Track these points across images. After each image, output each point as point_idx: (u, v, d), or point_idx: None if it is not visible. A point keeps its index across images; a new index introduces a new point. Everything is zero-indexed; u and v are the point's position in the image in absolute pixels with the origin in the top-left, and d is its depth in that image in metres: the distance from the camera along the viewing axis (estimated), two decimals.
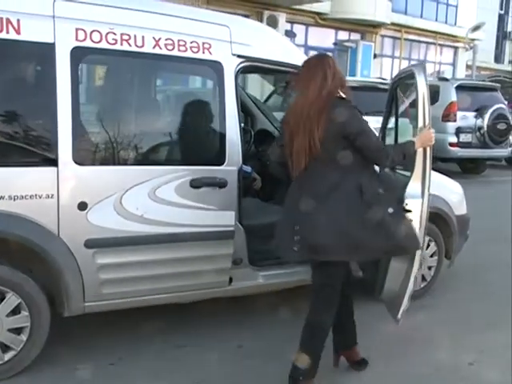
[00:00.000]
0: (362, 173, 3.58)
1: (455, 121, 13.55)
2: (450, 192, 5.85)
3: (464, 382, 4.16)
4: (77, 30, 3.82)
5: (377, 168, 4.34)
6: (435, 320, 5.16)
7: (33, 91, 3.92)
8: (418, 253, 4.00)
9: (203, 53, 4.26)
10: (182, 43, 4.17)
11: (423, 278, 5.57)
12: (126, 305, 4.19)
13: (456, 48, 29.23)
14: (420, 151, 3.93)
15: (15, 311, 3.78)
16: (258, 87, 11.39)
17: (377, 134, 4.99)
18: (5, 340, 3.77)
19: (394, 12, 24.23)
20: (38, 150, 3.80)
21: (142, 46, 4.04)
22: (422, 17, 26.32)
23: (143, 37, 4.04)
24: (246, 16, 15.68)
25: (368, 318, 4.74)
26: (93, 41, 3.88)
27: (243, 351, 4.38)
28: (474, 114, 13.74)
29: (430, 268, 5.60)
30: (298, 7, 20.60)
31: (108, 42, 3.93)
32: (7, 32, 3.62)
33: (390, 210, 3.61)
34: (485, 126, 13.66)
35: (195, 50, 4.23)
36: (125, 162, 4.14)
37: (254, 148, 5.78)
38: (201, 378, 3.98)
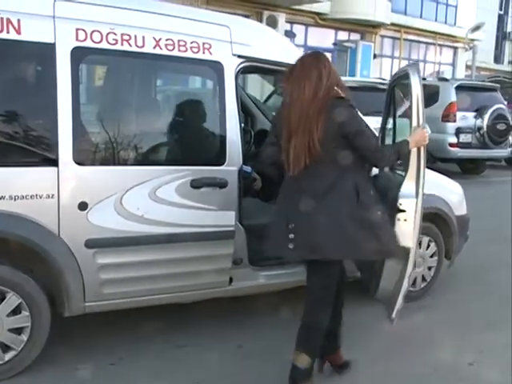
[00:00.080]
0: (358, 172, 3.58)
1: (455, 121, 13.56)
2: (450, 192, 5.86)
3: (464, 382, 4.16)
4: (77, 30, 3.83)
5: (376, 169, 4.37)
6: (435, 320, 5.17)
7: (33, 91, 3.91)
8: (413, 253, 3.99)
9: (203, 53, 4.26)
10: (182, 43, 4.18)
11: (423, 279, 5.57)
12: (126, 305, 4.19)
13: (455, 48, 29.23)
14: (414, 151, 3.92)
15: (16, 311, 3.78)
16: (257, 87, 11.39)
17: (377, 134, 5.02)
18: (5, 340, 3.77)
19: (393, 12, 24.23)
20: (39, 150, 3.80)
21: (143, 47, 4.04)
22: (421, 17, 26.32)
23: (144, 37, 4.04)
24: (246, 16, 15.68)
25: (368, 317, 4.76)
26: (93, 41, 3.88)
27: (243, 351, 4.38)
28: (473, 114, 13.74)
29: (429, 268, 5.60)
30: (297, 7, 20.60)
31: (108, 42, 3.93)
32: (7, 32, 3.62)
33: (378, 213, 3.62)
34: (484, 127, 13.66)
35: (195, 50, 4.23)
36: (125, 162, 4.15)
37: (254, 148, 5.77)
38: (201, 378, 3.98)
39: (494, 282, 6.10)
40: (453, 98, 13.63)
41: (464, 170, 14.71)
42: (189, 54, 4.21)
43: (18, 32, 3.65)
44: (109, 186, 3.94)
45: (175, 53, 4.17)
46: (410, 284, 4.26)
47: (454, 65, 29.62)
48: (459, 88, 13.79)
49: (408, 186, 3.98)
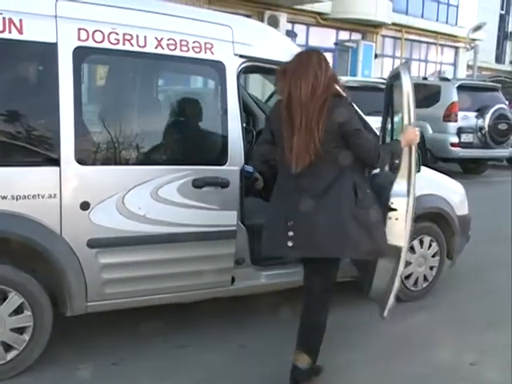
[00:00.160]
0: (356, 172, 3.58)
1: (456, 121, 13.55)
2: (452, 192, 5.85)
3: (464, 382, 4.16)
4: (79, 29, 3.83)
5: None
6: (436, 320, 5.17)
7: (35, 91, 3.91)
8: (404, 252, 4.00)
9: (205, 53, 4.26)
10: (184, 43, 4.18)
11: (425, 278, 5.57)
12: (128, 304, 4.20)
13: (457, 48, 29.21)
14: (405, 149, 3.91)
15: (18, 311, 3.78)
16: (259, 87, 11.38)
17: (378, 133, 5.02)
18: (7, 339, 3.77)
19: (394, 12, 24.22)
20: (41, 149, 3.80)
21: (145, 46, 4.04)
22: (422, 17, 26.31)
23: (145, 37, 4.04)
24: (248, 16, 15.68)
25: (368, 318, 4.75)
26: (95, 41, 3.88)
27: (245, 351, 4.38)
28: (475, 114, 13.73)
29: (431, 268, 5.60)
30: (299, 7, 20.59)
31: (110, 42, 3.93)
32: (9, 32, 3.62)
33: (374, 212, 3.63)
34: (486, 126, 13.65)
35: (197, 49, 4.23)
36: (127, 162, 4.15)
37: None
38: (202, 378, 3.99)
39: (495, 282, 6.10)
40: (454, 97, 13.62)
41: (465, 169, 14.70)
42: (191, 54, 4.22)
43: (20, 32, 3.65)
44: (111, 186, 3.95)
45: (177, 52, 4.17)
46: (400, 282, 4.26)
47: (455, 65, 29.60)
48: (460, 88, 13.78)
49: (399, 185, 3.99)
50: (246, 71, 4.63)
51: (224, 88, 4.36)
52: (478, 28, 25.47)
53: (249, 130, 5.81)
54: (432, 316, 5.26)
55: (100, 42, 3.90)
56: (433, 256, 5.59)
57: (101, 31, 3.89)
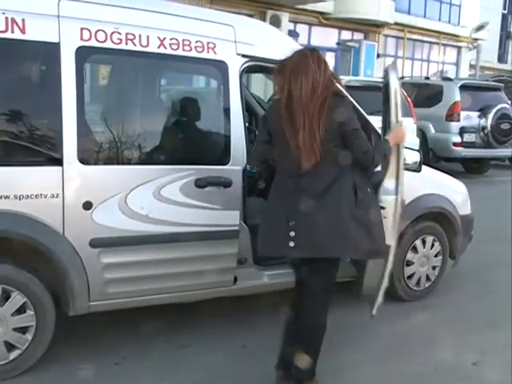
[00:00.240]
0: (355, 171, 3.56)
1: (459, 120, 13.54)
2: (455, 192, 5.85)
3: (466, 382, 4.15)
4: (82, 29, 3.83)
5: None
6: (439, 320, 5.17)
7: (38, 91, 3.92)
8: (392, 250, 4.00)
9: (208, 52, 4.26)
10: (186, 43, 4.18)
11: (427, 278, 5.57)
12: (130, 304, 4.20)
13: (459, 48, 29.19)
14: (393, 148, 3.91)
15: (20, 310, 3.79)
16: (261, 87, 11.40)
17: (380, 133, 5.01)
18: (10, 339, 3.78)
19: (397, 12, 24.21)
20: (43, 149, 3.80)
21: (147, 46, 4.04)
22: (425, 16, 26.31)
23: (148, 36, 4.04)
24: (250, 16, 15.69)
25: (369, 318, 4.75)
26: (98, 40, 3.88)
27: (246, 351, 4.38)
28: (477, 113, 13.72)
29: (434, 268, 5.60)
30: (301, 7, 20.60)
31: (113, 42, 3.93)
32: (12, 32, 3.63)
33: (374, 212, 3.63)
34: (488, 126, 13.65)
35: (200, 49, 4.23)
36: (129, 162, 4.15)
37: None
38: (203, 378, 3.99)
39: (497, 282, 6.09)
40: (457, 97, 13.62)
41: (468, 169, 14.69)
42: (193, 54, 4.21)
43: (23, 32, 3.65)
44: (113, 186, 3.95)
45: (179, 52, 4.17)
46: (389, 281, 4.25)
47: (457, 64, 29.59)
48: (463, 87, 13.77)
49: (388, 183, 3.99)
50: (248, 71, 4.62)
51: (226, 88, 4.36)
52: (480, 28, 25.45)
53: (251, 129, 5.80)
54: (434, 316, 5.26)
55: (102, 42, 3.90)
56: (435, 256, 5.58)
57: (103, 31, 3.89)
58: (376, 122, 5.20)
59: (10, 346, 3.79)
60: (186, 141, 4.59)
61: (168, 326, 4.58)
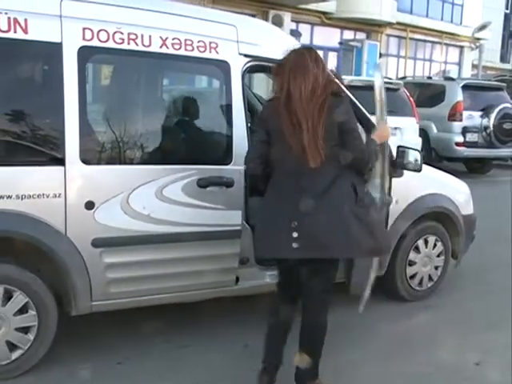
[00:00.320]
0: (352, 170, 3.57)
1: (461, 120, 13.54)
2: (457, 192, 5.84)
3: (468, 382, 4.15)
4: (84, 29, 3.83)
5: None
6: (441, 320, 5.17)
7: (40, 91, 3.92)
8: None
9: (210, 52, 4.26)
10: (188, 42, 4.17)
11: (430, 278, 5.56)
12: (133, 304, 4.20)
13: (461, 47, 29.19)
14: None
15: (22, 310, 3.79)
16: (264, 87, 11.38)
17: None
18: (12, 339, 3.78)
19: (399, 11, 24.20)
20: (46, 149, 3.80)
21: (149, 46, 4.04)
22: (427, 16, 26.29)
23: (150, 36, 4.04)
24: (252, 15, 15.68)
25: (371, 317, 4.75)
26: (100, 40, 3.88)
27: (248, 351, 4.37)
28: (480, 113, 13.72)
29: (436, 268, 5.59)
30: (303, 6, 20.59)
31: (115, 42, 3.93)
32: (15, 31, 3.63)
33: (374, 210, 3.64)
34: (491, 126, 13.64)
35: (202, 49, 4.23)
36: (132, 162, 4.15)
37: None
38: (205, 378, 3.99)
39: (499, 282, 6.08)
40: (459, 97, 13.62)
41: (470, 169, 14.69)
42: (195, 53, 4.21)
43: (25, 31, 3.65)
44: (115, 185, 3.95)
45: (182, 52, 4.16)
46: (375, 277, 4.29)
47: (460, 64, 29.57)
48: (465, 87, 13.77)
49: (374, 182, 4.00)
50: (250, 71, 4.61)
51: (229, 87, 4.35)
52: (482, 27, 25.44)
53: (253, 129, 5.79)
54: (436, 315, 5.26)
55: (105, 42, 3.90)
56: (438, 256, 5.58)
57: (106, 31, 3.89)
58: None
59: (12, 346, 3.79)
60: (188, 141, 4.59)
61: (169, 325, 4.59)
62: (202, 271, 4.28)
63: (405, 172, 4.91)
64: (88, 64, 4.00)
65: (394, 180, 4.85)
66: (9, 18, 3.61)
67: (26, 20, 3.65)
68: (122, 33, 3.94)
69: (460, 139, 13.49)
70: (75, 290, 3.90)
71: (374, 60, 22.74)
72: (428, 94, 14.38)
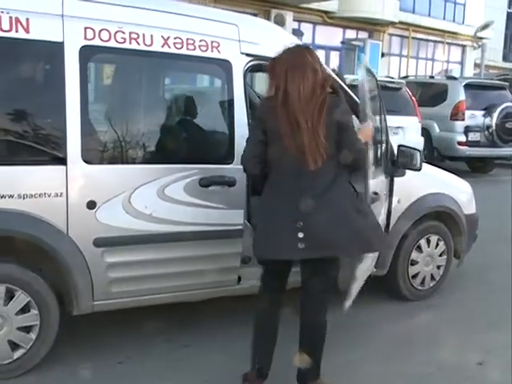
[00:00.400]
0: (347, 169, 3.58)
1: (463, 120, 13.53)
2: (459, 191, 5.83)
3: (470, 382, 4.14)
4: (85, 28, 3.82)
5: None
6: (443, 319, 5.16)
7: (42, 90, 3.91)
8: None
9: (212, 51, 4.25)
10: (190, 42, 4.17)
11: (432, 277, 5.56)
12: (134, 303, 4.20)
13: (464, 47, 29.16)
14: None
15: (24, 310, 3.79)
16: (265, 86, 11.38)
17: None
18: (14, 338, 3.78)
19: (401, 11, 24.19)
20: (47, 148, 3.79)
21: (151, 45, 4.04)
22: (429, 15, 26.29)
23: (152, 35, 4.03)
24: (254, 15, 15.68)
25: (373, 317, 4.74)
26: (101, 39, 3.87)
27: (249, 351, 4.35)
28: (482, 112, 13.71)
29: (438, 267, 5.58)
30: (305, 6, 20.60)
31: (117, 41, 3.92)
32: (16, 31, 3.62)
33: (370, 208, 3.65)
34: (493, 125, 13.64)
35: (204, 48, 4.22)
36: (133, 161, 4.14)
37: None
38: (206, 378, 3.99)
39: (502, 282, 6.07)
40: (461, 96, 13.61)
41: (473, 168, 14.69)
42: (197, 53, 4.21)
43: (27, 31, 3.65)
44: (117, 185, 3.94)
45: (184, 51, 4.16)
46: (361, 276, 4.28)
47: (462, 63, 29.55)
48: (468, 86, 13.77)
49: (357, 181, 4.01)
50: (252, 70, 4.61)
51: (230, 87, 4.35)
52: (485, 26, 25.44)
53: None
54: (438, 315, 5.25)
55: (106, 41, 3.89)
56: (440, 255, 5.57)
57: (107, 30, 3.89)
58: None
59: (14, 345, 3.79)
60: (190, 140, 4.59)
61: (170, 325, 4.59)
62: (203, 271, 4.28)
63: (407, 171, 4.91)
64: (90, 63, 3.99)
65: (396, 179, 4.86)
66: (10, 18, 3.61)
67: (27, 19, 3.65)
68: (123, 32, 3.94)
69: (462, 138, 13.49)
70: (77, 289, 3.90)
71: (377, 59, 22.77)
72: (430, 94, 14.37)
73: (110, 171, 3.97)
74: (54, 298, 3.87)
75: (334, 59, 23.17)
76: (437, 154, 13.62)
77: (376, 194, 4.11)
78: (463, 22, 27.87)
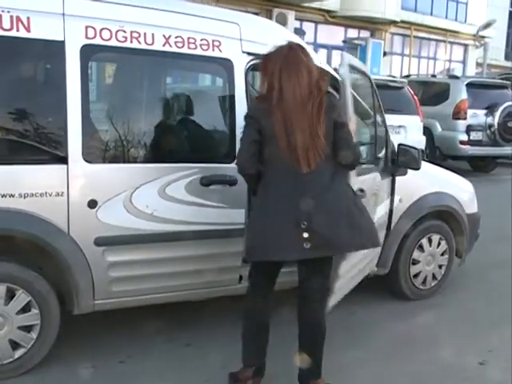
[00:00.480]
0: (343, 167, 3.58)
1: (465, 119, 13.52)
2: (461, 190, 5.83)
3: (471, 382, 4.14)
4: (86, 27, 3.82)
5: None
6: (445, 318, 5.16)
7: (43, 89, 3.92)
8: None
9: (213, 50, 4.24)
10: (191, 41, 4.16)
11: (433, 277, 5.55)
12: (135, 303, 4.19)
13: (466, 46, 29.14)
14: None
15: (25, 309, 3.79)
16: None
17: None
18: (15, 337, 3.78)
19: (403, 9, 24.19)
20: (48, 147, 3.79)
21: (152, 44, 4.03)
22: (431, 14, 26.26)
23: (153, 34, 4.02)
24: (256, 14, 15.67)
25: (374, 316, 4.74)
26: (102, 38, 3.87)
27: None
28: (484, 111, 13.71)
29: (440, 267, 5.58)
30: (307, 5, 20.61)
31: (118, 40, 3.92)
32: (17, 30, 3.62)
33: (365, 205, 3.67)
34: (495, 124, 13.63)
35: (205, 47, 4.21)
36: (135, 160, 4.14)
37: None
38: (208, 378, 3.98)
39: (504, 281, 6.06)
40: (463, 95, 13.60)
41: (474, 167, 14.69)
42: (198, 52, 4.20)
43: (28, 30, 3.64)
44: (118, 184, 3.94)
45: (185, 50, 4.15)
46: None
47: (464, 62, 29.53)
48: (470, 85, 13.75)
49: None
50: (253, 69, 4.59)
51: (232, 86, 4.34)
52: (487, 25, 25.41)
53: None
54: (440, 314, 5.24)
55: (107, 40, 3.88)
56: (442, 254, 5.56)
57: (108, 29, 3.88)
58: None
59: (14, 345, 3.79)
60: (191, 139, 4.58)
61: (170, 325, 4.58)
62: (204, 270, 4.26)
63: (409, 171, 4.90)
64: (91, 62, 3.98)
65: (397, 178, 4.85)
66: (11, 17, 3.60)
67: (28, 18, 3.64)
68: (124, 31, 3.93)
69: (464, 137, 13.48)
70: (78, 288, 3.89)
71: (378, 58, 22.77)
72: (432, 93, 14.35)
73: (111, 170, 3.96)
74: (54, 297, 3.87)
75: (336, 58, 23.16)
76: (439, 153, 13.62)
77: (362, 191, 4.05)
78: (465, 21, 27.84)
